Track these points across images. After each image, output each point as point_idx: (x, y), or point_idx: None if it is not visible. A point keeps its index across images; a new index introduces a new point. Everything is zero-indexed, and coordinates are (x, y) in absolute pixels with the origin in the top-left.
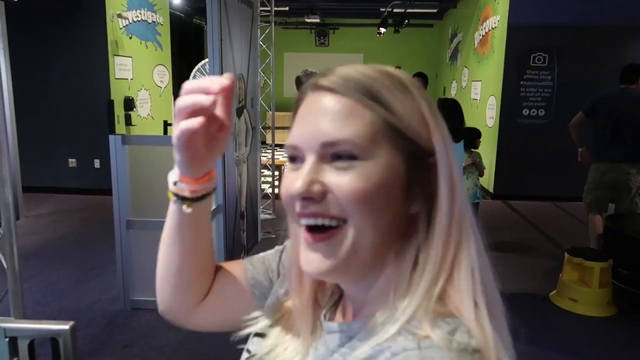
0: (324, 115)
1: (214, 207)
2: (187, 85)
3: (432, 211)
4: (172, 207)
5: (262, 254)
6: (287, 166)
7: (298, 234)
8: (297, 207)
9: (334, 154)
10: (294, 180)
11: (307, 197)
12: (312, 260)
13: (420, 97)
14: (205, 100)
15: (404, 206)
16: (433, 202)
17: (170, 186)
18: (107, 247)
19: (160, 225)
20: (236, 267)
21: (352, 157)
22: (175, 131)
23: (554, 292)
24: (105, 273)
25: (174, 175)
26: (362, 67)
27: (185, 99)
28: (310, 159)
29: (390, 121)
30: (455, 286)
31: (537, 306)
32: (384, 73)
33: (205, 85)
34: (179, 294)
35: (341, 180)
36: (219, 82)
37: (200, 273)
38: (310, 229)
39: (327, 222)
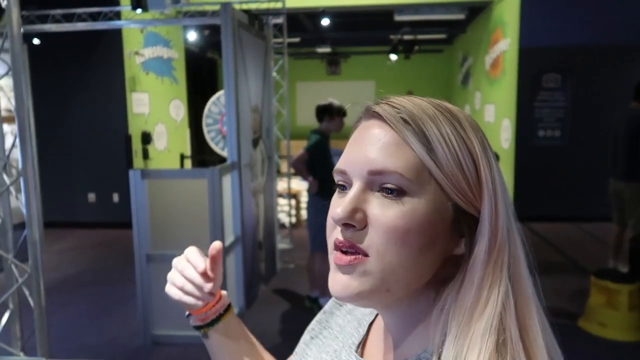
0: (372, 144)
1: (232, 239)
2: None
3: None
4: (208, 344)
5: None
6: (336, 194)
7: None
8: (338, 233)
9: (382, 184)
10: (338, 206)
11: (348, 224)
12: (338, 280)
13: (476, 141)
14: (191, 289)
15: (448, 248)
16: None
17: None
18: (127, 281)
19: None
20: None
21: (401, 191)
22: (167, 290)
23: (582, 317)
24: (125, 307)
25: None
26: (420, 101)
27: (176, 279)
28: (356, 185)
29: (435, 162)
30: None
31: (565, 332)
32: (442, 109)
33: (194, 263)
34: None
35: (386, 214)
36: (202, 264)
37: None
38: (342, 252)
39: (352, 249)
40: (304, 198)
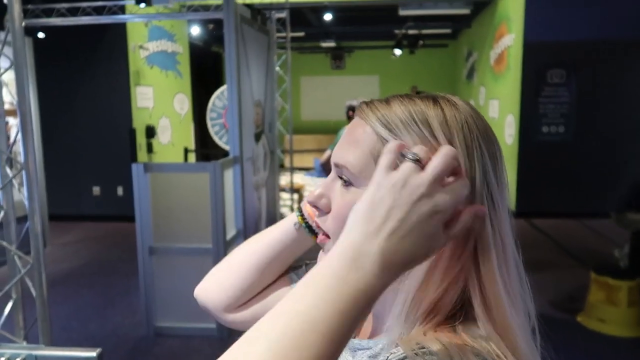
0: (343, 138)
1: (234, 232)
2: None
3: None
4: (289, 229)
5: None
6: None
7: None
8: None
9: (340, 175)
10: None
11: (315, 207)
12: (320, 255)
13: (441, 136)
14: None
15: None
16: None
17: (307, 211)
18: (131, 274)
19: (182, 251)
20: (284, 279)
21: (349, 183)
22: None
23: (582, 312)
24: (128, 299)
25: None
26: (405, 103)
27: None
28: (331, 175)
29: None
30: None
31: (565, 328)
32: (422, 109)
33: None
34: (234, 294)
35: (337, 201)
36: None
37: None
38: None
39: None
40: (307, 192)
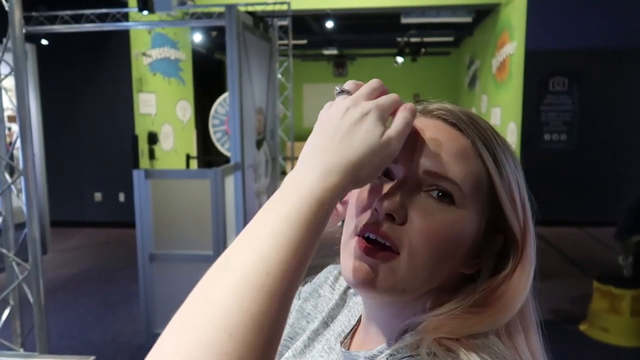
0: (437, 145)
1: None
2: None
3: (479, 280)
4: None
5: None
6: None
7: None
8: (371, 219)
9: (435, 187)
10: (381, 193)
11: (391, 217)
12: (360, 269)
13: (519, 166)
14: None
15: (461, 264)
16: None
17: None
18: (131, 280)
19: (182, 258)
20: None
21: (450, 200)
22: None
23: (584, 321)
24: (129, 306)
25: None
26: (470, 112)
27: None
28: (407, 180)
29: (495, 181)
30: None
31: (567, 337)
32: (491, 126)
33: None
34: None
35: (430, 218)
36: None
37: None
38: (368, 240)
39: (386, 242)
40: None
